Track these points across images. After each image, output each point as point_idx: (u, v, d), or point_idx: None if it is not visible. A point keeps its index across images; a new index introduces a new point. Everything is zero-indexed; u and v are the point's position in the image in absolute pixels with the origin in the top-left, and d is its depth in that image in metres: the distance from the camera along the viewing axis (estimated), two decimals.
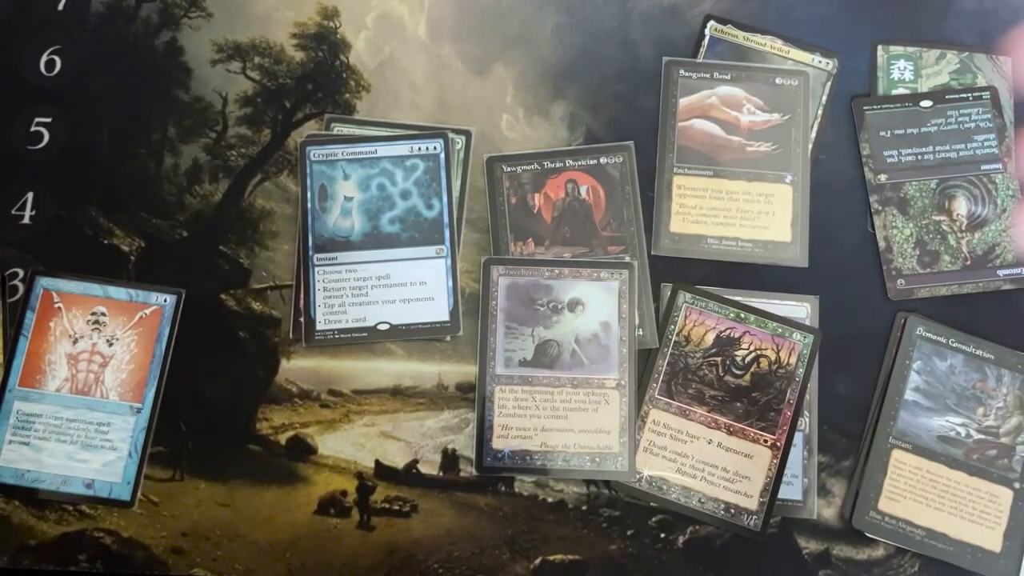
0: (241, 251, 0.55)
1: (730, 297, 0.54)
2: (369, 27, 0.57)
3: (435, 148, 0.55)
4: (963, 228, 0.55)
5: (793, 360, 0.53)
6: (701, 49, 0.57)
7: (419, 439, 0.53)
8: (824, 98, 0.57)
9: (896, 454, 0.52)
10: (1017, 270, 0.55)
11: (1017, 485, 0.52)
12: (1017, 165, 0.56)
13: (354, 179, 0.54)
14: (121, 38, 0.57)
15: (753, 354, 0.53)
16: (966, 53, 0.57)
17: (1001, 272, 0.55)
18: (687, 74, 0.57)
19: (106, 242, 0.54)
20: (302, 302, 0.53)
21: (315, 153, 0.55)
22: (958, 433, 0.52)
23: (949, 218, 0.55)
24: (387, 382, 0.54)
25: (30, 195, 0.55)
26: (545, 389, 0.52)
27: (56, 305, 0.53)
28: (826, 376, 0.53)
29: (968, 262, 0.55)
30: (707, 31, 0.57)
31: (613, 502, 0.52)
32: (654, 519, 0.52)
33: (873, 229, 0.55)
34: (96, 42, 0.57)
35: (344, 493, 0.52)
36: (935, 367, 0.53)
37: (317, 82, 0.57)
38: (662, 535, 0.52)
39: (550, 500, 0.52)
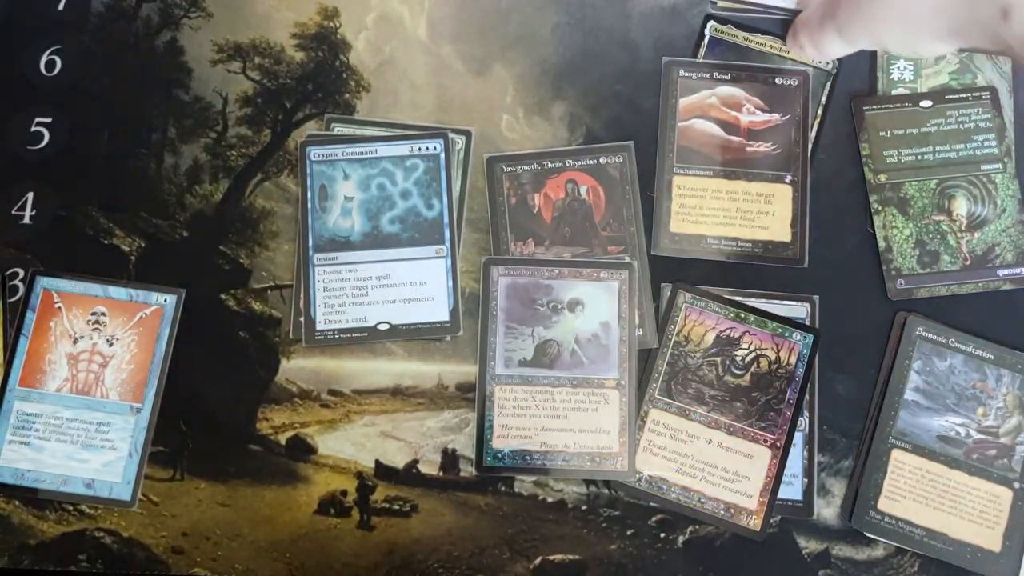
0: (241, 251, 0.55)
1: (730, 297, 0.54)
2: (369, 27, 0.57)
3: (435, 148, 0.55)
4: (963, 228, 0.55)
5: (793, 360, 0.53)
6: (701, 49, 0.57)
7: (419, 439, 0.53)
8: (824, 98, 0.57)
9: (896, 454, 0.52)
10: (1017, 270, 0.55)
11: (1017, 485, 0.52)
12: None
13: (354, 179, 0.54)
14: (121, 38, 0.57)
15: (753, 354, 0.53)
16: (965, 53, 0.57)
17: (1001, 272, 0.55)
18: (687, 74, 0.57)
19: (106, 242, 0.54)
20: (302, 302, 0.53)
21: (315, 153, 0.55)
22: (958, 433, 0.52)
23: (949, 218, 0.55)
24: (387, 382, 0.54)
25: (30, 195, 0.55)
26: (545, 389, 0.52)
27: (56, 305, 0.53)
28: (826, 376, 0.53)
29: (968, 262, 0.55)
30: (707, 31, 0.57)
31: (613, 502, 0.52)
32: (654, 519, 0.52)
33: (873, 229, 0.55)
34: (96, 42, 0.57)
35: (344, 493, 0.52)
36: (935, 367, 0.53)
37: (317, 82, 0.57)
38: (662, 535, 0.52)
39: (550, 500, 0.52)
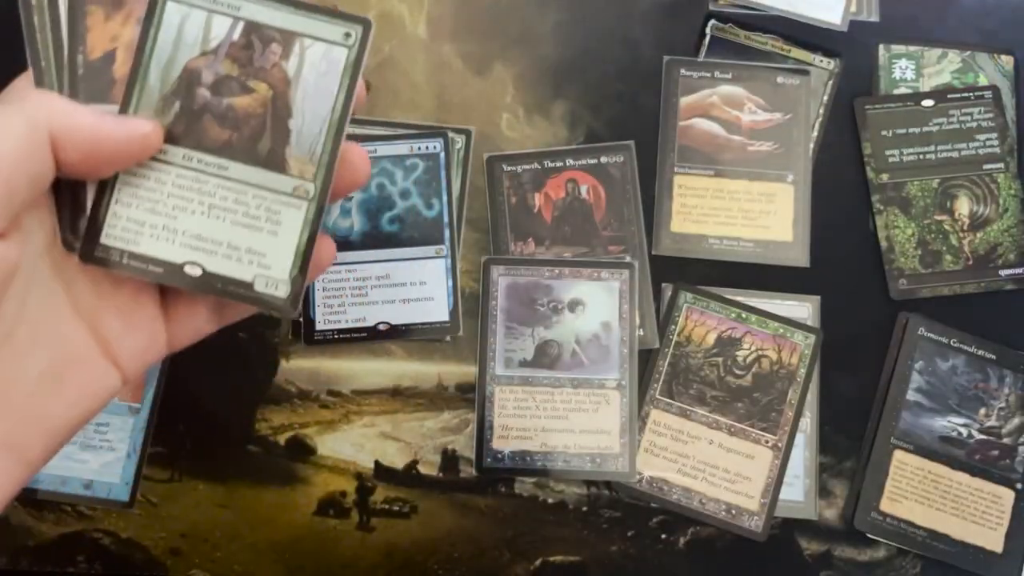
0: None
1: (731, 297, 0.54)
2: None
3: (435, 148, 0.54)
4: (965, 228, 0.55)
5: (795, 360, 0.53)
6: (702, 48, 0.57)
7: (419, 439, 0.53)
8: (826, 97, 0.57)
9: (898, 455, 0.52)
10: (1019, 270, 0.54)
11: (1019, 486, 0.52)
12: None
13: None
14: None
15: (754, 354, 0.53)
16: (968, 52, 0.57)
17: (1003, 272, 0.54)
18: (688, 73, 0.56)
19: None
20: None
21: None
22: (960, 434, 0.52)
23: (951, 218, 0.55)
24: (387, 382, 0.53)
25: None
26: (545, 389, 0.52)
27: None
28: (827, 376, 0.53)
29: (970, 262, 0.54)
30: (708, 30, 0.57)
31: (614, 503, 0.52)
32: (655, 520, 0.52)
33: (874, 229, 0.55)
34: None
35: (343, 494, 0.52)
36: (937, 367, 0.53)
37: None
38: (663, 536, 0.52)
39: (550, 501, 0.52)
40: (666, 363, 0.53)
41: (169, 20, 0.31)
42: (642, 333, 0.53)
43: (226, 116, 0.31)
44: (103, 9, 0.32)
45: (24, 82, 0.31)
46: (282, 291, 0.32)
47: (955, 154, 0.56)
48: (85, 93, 0.32)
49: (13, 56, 0.32)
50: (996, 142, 0.56)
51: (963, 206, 0.55)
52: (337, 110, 0.32)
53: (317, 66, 0.31)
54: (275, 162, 0.31)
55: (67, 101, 0.30)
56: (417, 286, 0.53)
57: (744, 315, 0.53)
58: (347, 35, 0.31)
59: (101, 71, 0.32)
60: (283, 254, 0.31)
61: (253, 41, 0.31)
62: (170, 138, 0.31)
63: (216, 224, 0.31)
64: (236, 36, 0.31)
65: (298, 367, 0.53)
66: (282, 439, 0.52)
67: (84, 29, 0.32)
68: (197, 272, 0.31)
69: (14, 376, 0.28)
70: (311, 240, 0.32)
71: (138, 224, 0.31)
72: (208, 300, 0.33)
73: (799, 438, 0.52)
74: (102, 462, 0.51)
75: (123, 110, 0.31)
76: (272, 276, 0.32)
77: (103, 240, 0.31)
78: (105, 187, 0.31)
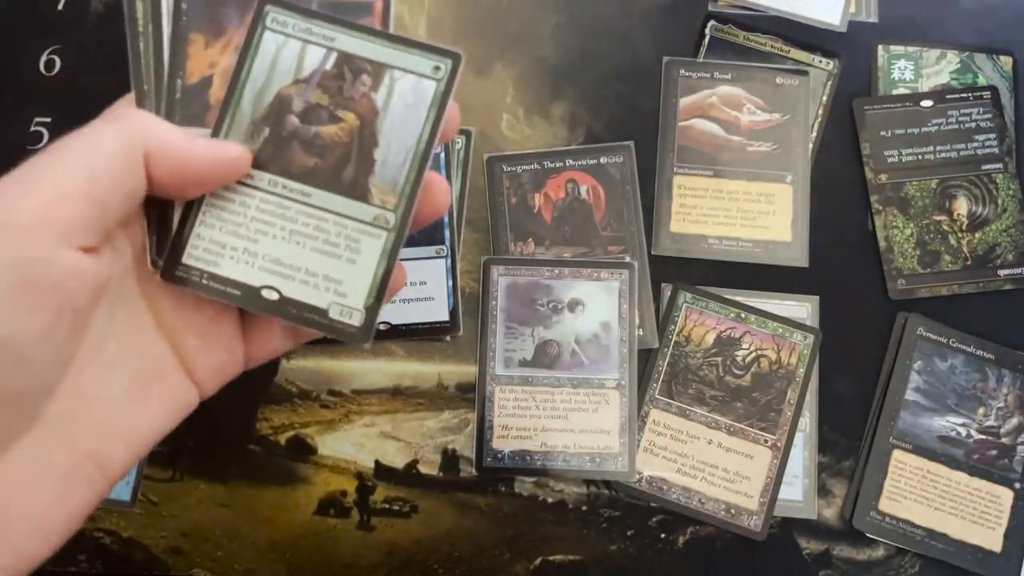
0: None
1: (730, 297, 0.54)
2: None
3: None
4: (964, 228, 0.55)
5: (794, 360, 0.53)
6: (702, 48, 0.57)
7: (419, 439, 0.53)
8: (825, 98, 0.57)
9: (896, 454, 0.52)
10: (1018, 270, 0.55)
11: (1017, 485, 0.52)
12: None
13: None
14: (121, 38, 0.57)
15: (753, 354, 0.53)
16: (967, 53, 0.57)
17: (1002, 272, 0.55)
18: (687, 74, 0.56)
19: None
20: None
21: None
22: (959, 433, 0.52)
23: (950, 218, 0.55)
24: (387, 382, 0.54)
25: None
26: (545, 389, 0.52)
27: None
28: (826, 376, 0.53)
29: (969, 262, 0.55)
30: (708, 30, 0.57)
31: (613, 502, 0.52)
32: (654, 519, 0.52)
33: (873, 229, 0.55)
34: (96, 42, 0.57)
35: (344, 493, 0.52)
36: (936, 367, 0.53)
37: None
38: (662, 535, 0.52)
39: (550, 500, 0.52)
40: (665, 363, 0.53)
41: (265, 49, 0.31)
42: (642, 333, 0.53)
43: (313, 144, 0.31)
44: (204, 36, 0.32)
45: (126, 103, 0.32)
46: (356, 320, 0.32)
47: (954, 154, 0.56)
48: (181, 116, 0.32)
49: (115, 78, 0.33)
50: (995, 142, 0.56)
51: (962, 206, 0.55)
52: (422, 142, 0.32)
53: (405, 98, 0.31)
54: (358, 191, 0.31)
55: (162, 122, 0.30)
56: (417, 286, 0.53)
57: (743, 315, 0.53)
58: (436, 68, 0.31)
59: (198, 95, 0.32)
60: (359, 283, 0.31)
61: (345, 71, 0.31)
62: (257, 163, 0.31)
63: (296, 250, 0.31)
64: (328, 66, 0.31)
65: (298, 367, 0.53)
66: (282, 439, 0.53)
67: (185, 55, 0.32)
68: (274, 296, 0.31)
69: (101, 388, 0.29)
70: (388, 270, 0.32)
71: (220, 246, 0.31)
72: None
73: (798, 438, 0.52)
74: None
75: (215, 133, 0.31)
76: (347, 304, 0.32)
77: (185, 260, 0.31)
78: (191, 208, 0.31)
